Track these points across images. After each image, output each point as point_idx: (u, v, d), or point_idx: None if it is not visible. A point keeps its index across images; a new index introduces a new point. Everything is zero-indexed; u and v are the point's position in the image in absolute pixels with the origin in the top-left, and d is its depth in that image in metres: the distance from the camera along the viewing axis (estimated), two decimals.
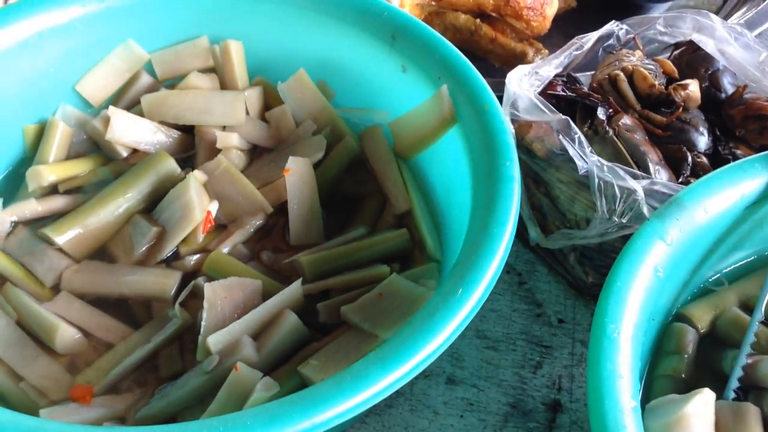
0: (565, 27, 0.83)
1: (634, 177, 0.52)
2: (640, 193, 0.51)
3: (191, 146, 0.61)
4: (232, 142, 0.59)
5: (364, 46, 0.60)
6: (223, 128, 0.60)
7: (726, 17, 0.83)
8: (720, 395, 0.44)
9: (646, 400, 0.44)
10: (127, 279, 0.52)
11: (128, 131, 0.59)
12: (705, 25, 0.63)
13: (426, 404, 0.58)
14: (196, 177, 0.55)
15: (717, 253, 0.50)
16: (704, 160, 0.58)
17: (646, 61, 0.63)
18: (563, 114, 0.56)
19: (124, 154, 0.60)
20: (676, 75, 0.63)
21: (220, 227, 0.56)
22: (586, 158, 0.54)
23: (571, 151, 0.54)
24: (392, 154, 0.60)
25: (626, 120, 0.59)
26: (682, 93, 0.60)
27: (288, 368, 0.47)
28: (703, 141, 0.60)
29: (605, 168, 0.53)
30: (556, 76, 0.62)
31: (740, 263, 0.52)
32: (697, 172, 0.57)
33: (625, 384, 0.38)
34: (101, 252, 0.55)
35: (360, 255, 0.54)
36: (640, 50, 0.65)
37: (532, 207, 0.62)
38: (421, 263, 0.55)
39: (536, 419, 0.58)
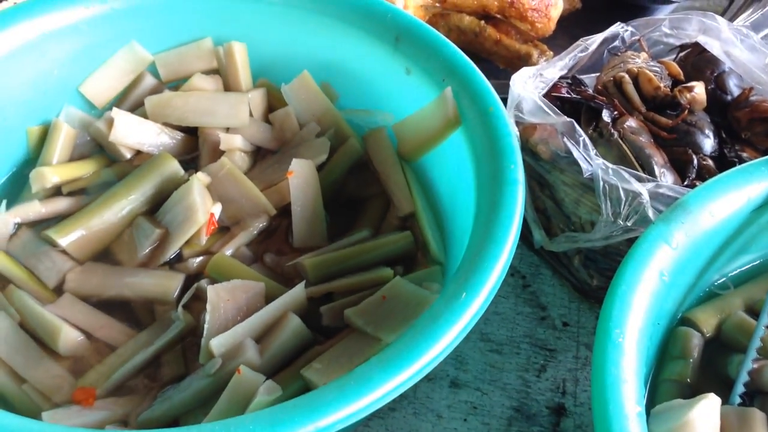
0: (569, 28, 0.83)
1: (639, 180, 0.52)
2: (645, 196, 0.51)
3: (195, 148, 0.61)
4: (235, 143, 0.59)
5: (367, 48, 0.59)
6: (227, 130, 0.60)
7: (732, 19, 0.82)
8: (726, 400, 0.44)
9: (651, 404, 0.44)
10: (130, 281, 0.52)
11: (132, 133, 0.59)
12: (711, 26, 0.63)
13: (429, 408, 0.58)
14: (200, 179, 0.55)
15: (723, 256, 0.50)
16: (710, 162, 0.58)
17: (652, 63, 0.63)
18: (568, 116, 0.55)
19: (128, 155, 0.60)
20: (682, 77, 0.63)
21: (224, 229, 0.56)
22: (590, 161, 0.53)
23: (576, 154, 0.54)
24: (396, 156, 0.60)
25: (631, 122, 0.58)
26: (688, 95, 0.60)
27: (291, 371, 0.47)
28: (708, 143, 0.59)
29: (610, 171, 0.52)
30: (561, 78, 0.62)
31: (746, 267, 0.52)
32: (703, 175, 0.57)
33: (630, 389, 0.38)
34: (104, 254, 0.55)
35: (363, 258, 0.54)
36: (645, 52, 0.65)
37: (536, 210, 0.62)
38: (425, 266, 0.55)
39: (540, 423, 0.57)
